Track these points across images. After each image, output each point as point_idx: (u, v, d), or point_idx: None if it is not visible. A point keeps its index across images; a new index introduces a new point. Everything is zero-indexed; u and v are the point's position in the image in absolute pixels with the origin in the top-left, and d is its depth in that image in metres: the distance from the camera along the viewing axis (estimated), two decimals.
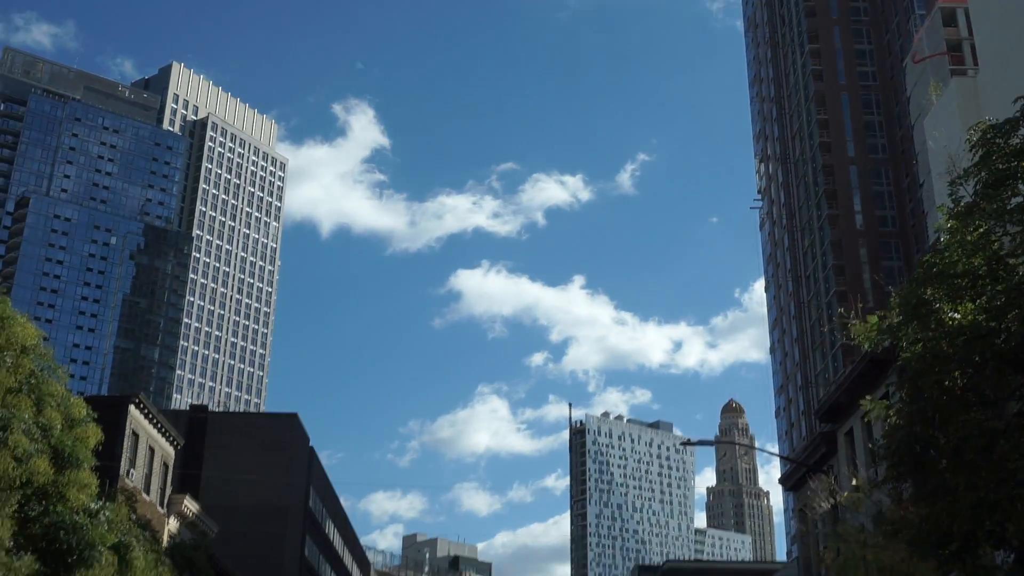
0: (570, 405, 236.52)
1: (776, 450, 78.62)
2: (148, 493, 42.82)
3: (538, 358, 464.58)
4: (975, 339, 10.35)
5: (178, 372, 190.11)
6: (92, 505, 18.44)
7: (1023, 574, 13.45)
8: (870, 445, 17.59)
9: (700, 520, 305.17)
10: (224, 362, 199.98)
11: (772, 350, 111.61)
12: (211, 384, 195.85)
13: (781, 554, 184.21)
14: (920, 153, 79.09)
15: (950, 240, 11.22)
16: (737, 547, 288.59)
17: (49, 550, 17.46)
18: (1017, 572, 13.87)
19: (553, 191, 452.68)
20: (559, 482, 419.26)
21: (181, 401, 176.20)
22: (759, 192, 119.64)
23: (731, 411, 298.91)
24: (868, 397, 14.28)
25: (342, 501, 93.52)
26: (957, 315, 10.79)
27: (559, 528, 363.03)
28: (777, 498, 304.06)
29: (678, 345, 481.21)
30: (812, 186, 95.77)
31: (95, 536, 17.73)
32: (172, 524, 45.92)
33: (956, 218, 11.50)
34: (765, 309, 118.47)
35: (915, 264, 12.89)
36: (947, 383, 10.84)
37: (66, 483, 17.59)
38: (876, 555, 17.20)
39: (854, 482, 18.42)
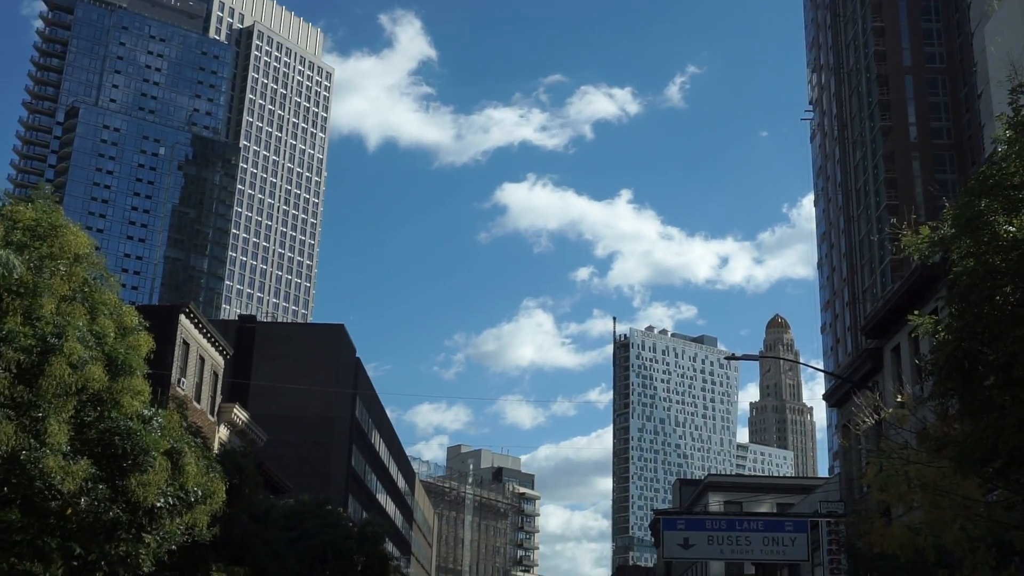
0: (614, 319, 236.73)
1: (821, 366, 78.61)
2: (199, 401, 43.73)
3: (583, 273, 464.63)
4: None
5: (227, 282, 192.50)
6: (145, 412, 18.83)
7: None
8: (917, 361, 17.39)
9: (742, 435, 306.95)
10: (272, 273, 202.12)
11: (819, 265, 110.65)
12: (259, 295, 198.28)
13: (823, 470, 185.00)
14: (979, 61, 76.97)
15: (1008, 150, 10.94)
16: (779, 463, 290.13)
17: (104, 455, 17.91)
18: None
19: (601, 104, 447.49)
20: (603, 396, 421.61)
21: (230, 311, 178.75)
22: (811, 103, 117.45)
23: (776, 326, 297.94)
24: (916, 312, 14.15)
25: (388, 412, 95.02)
26: (1012, 228, 10.58)
27: (602, 442, 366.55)
28: (820, 415, 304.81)
29: (724, 260, 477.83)
30: (865, 97, 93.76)
31: (149, 442, 18.14)
32: (222, 432, 46.95)
33: (1015, 128, 11.19)
34: (813, 225, 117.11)
35: (969, 177, 12.60)
36: (998, 298, 10.69)
37: (120, 390, 17.95)
38: (919, 471, 17.18)
39: (899, 398, 18.35)
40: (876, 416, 19.70)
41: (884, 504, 20.71)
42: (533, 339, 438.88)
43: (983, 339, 11.46)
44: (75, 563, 19.88)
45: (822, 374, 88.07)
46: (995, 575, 17.12)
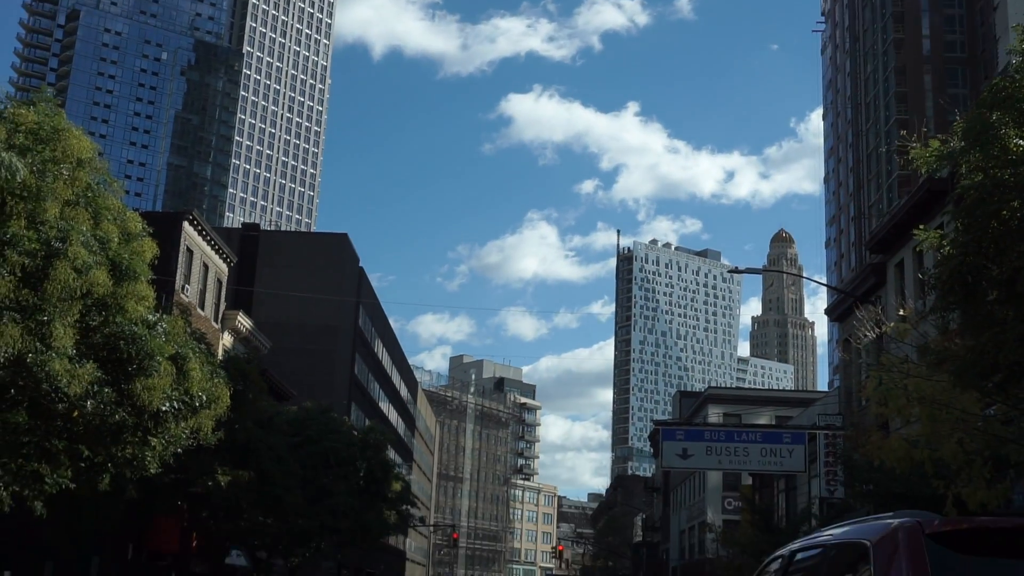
0: (618, 232, 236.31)
1: (824, 281, 78.57)
2: (203, 308, 43.94)
3: (588, 185, 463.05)
4: None
5: (230, 190, 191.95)
6: (150, 317, 18.91)
7: None
8: (920, 276, 17.41)
9: (743, 349, 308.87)
10: (275, 181, 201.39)
11: (826, 179, 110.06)
12: (262, 203, 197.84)
13: (823, 384, 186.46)
14: None
15: (1022, 63, 10.76)
16: (779, 376, 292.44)
17: (110, 359, 18.02)
18: None
19: (610, 14, 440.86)
20: (605, 309, 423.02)
21: (233, 220, 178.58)
22: (823, 14, 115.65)
23: (780, 240, 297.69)
24: (922, 227, 14.08)
25: (391, 322, 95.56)
26: (1023, 142, 10.46)
27: (603, 354, 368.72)
28: (821, 329, 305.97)
29: (730, 175, 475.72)
30: (879, 8, 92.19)
31: (154, 347, 18.24)
32: (226, 339, 47.27)
33: None
34: (821, 140, 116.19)
35: (982, 90, 12.41)
36: (1005, 213, 10.62)
37: (124, 295, 17.97)
38: (918, 385, 17.26)
39: (901, 312, 18.37)
40: (877, 330, 19.76)
41: (882, 417, 20.87)
42: (537, 251, 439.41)
43: (988, 254, 11.41)
44: (82, 464, 20.20)
45: (825, 289, 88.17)
46: (990, 488, 17.30)
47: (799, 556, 6.59)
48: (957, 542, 4.94)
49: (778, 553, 7.20)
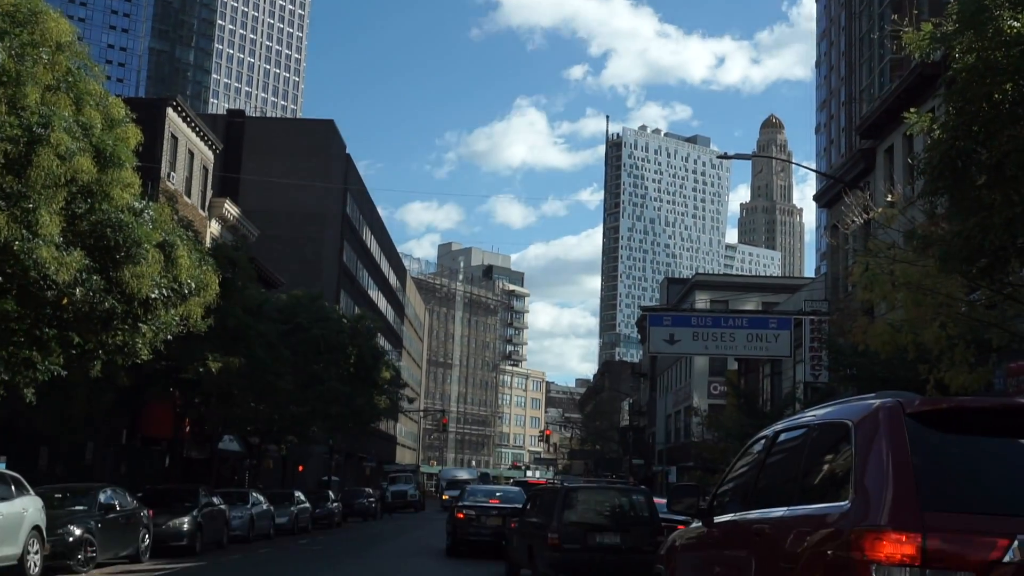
0: (607, 117, 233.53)
1: (814, 167, 78.27)
2: (189, 196, 43.67)
3: (577, 71, 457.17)
4: None
5: (214, 76, 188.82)
6: (136, 204, 18.74)
7: None
8: (910, 160, 17.31)
9: (731, 236, 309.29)
10: (259, 66, 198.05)
11: (818, 64, 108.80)
12: (247, 89, 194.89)
13: (810, 271, 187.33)
14: None
15: None
16: (767, 263, 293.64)
17: (97, 247, 17.90)
18: None
19: None
20: (594, 196, 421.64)
21: (217, 106, 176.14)
22: None
23: (770, 126, 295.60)
24: (913, 110, 13.97)
25: (379, 210, 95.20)
26: (1016, 23, 10.31)
27: (591, 241, 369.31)
28: (810, 216, 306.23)
29: (721, 60, 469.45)
30: None
31: (141, 234, 18.12)
32: (214, 227, 47.12)
33: None
34: (813, 24, 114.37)
35: None
36: (997, 95, 10.52)
37: (109, 182, 17.76)
38: (904, 270, 17.38)
39: (889, 198, 18.37)
40: (865, 216, 19.78)
41: (868, 303, 21.06)
42: (525, 138, 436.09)
43: (978, 138, 11.35)
44: (73, 351, 20.31)
45: (814, 175, 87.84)
46: (972, 371, 17.57)
47: (782, 437, 6.76)
48: (936, 421, 5.15)
49: (762, 434, 7.39)
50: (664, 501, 7.73)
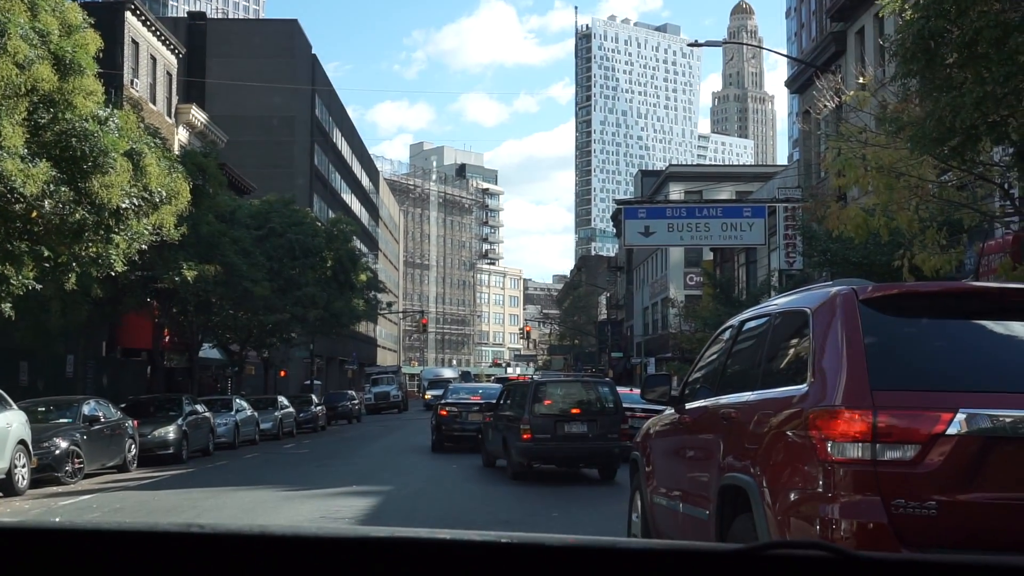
0: (576, 9, 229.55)
1: (785, 52, 77.92)
2: (155, 103, 42.95)
3: None
4: None
5: None
6: (100, 113, 18.38)
7: (1020, 167, 13.67)
8: (881, 42, 17.10)
9: (704, 126, 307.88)
10: None
11: None
12: None
13: (783, 159, 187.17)
14: None
15: None
16: (739, 152, 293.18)
17: (63, 157, 17.58)
18: (1015, 165, 14.09)
19: None
20: (566, 91, 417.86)
21: (177, 9, 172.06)
22: None
23: (740, 12, 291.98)
24: None
25: (350, 112, 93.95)
26: None
27: (564, 137, 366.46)
28: (782, 103, 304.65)
29: None
30: None
31: (107, 143, 17.80)
32: (182, 134, 46.47)
33: None
34: None
35: None
36: None
37: (71, 90, 17.37)
38: (875, 154, 17.37)
39: (861, 80, 18.26)
40: (837, 100, 19.69)
41: (841, 189, 21.11)
42: (494, 34, 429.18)
43: (949, 16, 11.25)
44: (46, 265, 20.16)
45: (785, 62, 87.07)
46: (944, 253, 17.71)
47: (748, 325, 7.11)
48: (887, 306, 5.45)
49: (729, 323, 7.74)
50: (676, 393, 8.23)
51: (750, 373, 6.55)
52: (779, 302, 6.73)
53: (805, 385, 5.42)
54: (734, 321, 7.60)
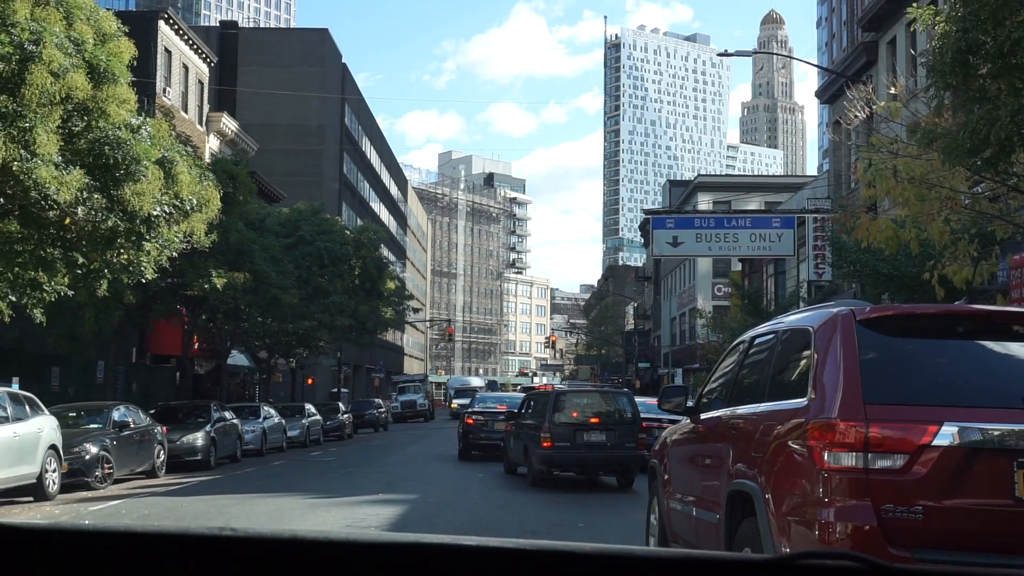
0: (605, 18, 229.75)
1: (815, 62, 77.65)
2: (186, 111, 43.30)
3: None
4: None
5: None
6: (133, 121, 18.53)
7: None
8: (913, 52, 16.90)
9: (733, 136, 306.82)
10: None
11: None
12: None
13: (812, 169, 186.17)
14: None
15: None
16: (768, 162, 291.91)
17: (96, 165, 17.73)
18: None
19: None
20: (594, 101, 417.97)
21: (210, 18, 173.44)
22: None
23: (771, 22, 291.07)
24: (915, 4, 13.72)
25: (379, 121, 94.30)
26: None
27: (593, 147, 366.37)
28: (812, 113, 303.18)
29: None
30: None
31: (139, 151, 17.95)
32: (212, 142, 46.81)
33: None
34: None
35: None
36: None
37: (105, 99, 17.52)
38: (907, 164, 17.25)
39: (892, 90, 18.11)
40: (868, 109, 19.56)
41: (871, 199, 20.98)
42: (524, 45, 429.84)
43: (985, 27, 11.16)
44: (79, 271, 20.34)
45: (815, 72, 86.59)
46: (975, 265, 17.55)
47: (757, 341, 7.61)
48: (883, 326, 5.92)
49: (741, 338, 8.25)
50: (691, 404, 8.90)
51: (759, 386, 6.98)
52: (786, 320, 7.29)
53: (806, 399, 5.85)
54: (746, 336, 8.08)
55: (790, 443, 5.87)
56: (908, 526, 5.25)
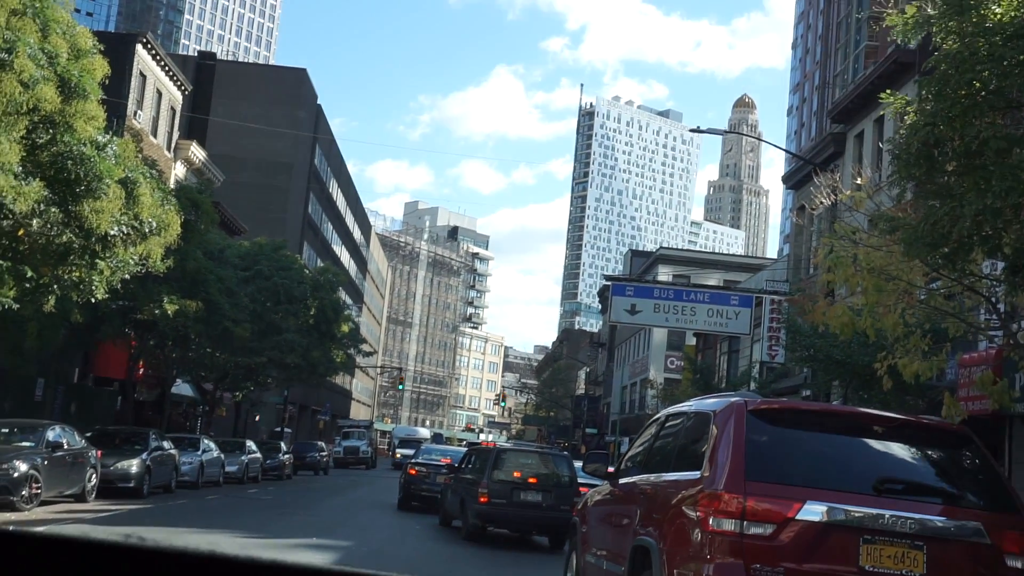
0: (581, 86, 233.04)
1: (784, 148, 79.19)
2: (155, 136, 43.01)
3: (555, 43, 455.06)
4: (1013, 38, 9.85)
5: (186, 16, 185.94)
6: (99, 138, 18.32)
7: (1012, 280, 13.67)
8: (881, 145, 17.15)
9: (697, 213, 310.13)
10: (233, 9, 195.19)
11: (794, 45, 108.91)
12: (220, 32, 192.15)
13: (772, 252, 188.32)
14: None
15: None
16: (730, 242, 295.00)
17: (57, 179, 17.48)
18: (1005, 279, 14.11)
19: None
20: (564, 167, 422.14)
21: (189, 48, 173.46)
22: None
23: (743, 105, 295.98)
24: (888, 92, 13.93)
25: (350, 167, 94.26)
26: (999, 9, 10.25)
27: (559, 211, 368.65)
28: (775, 199, 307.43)
29: (698, 43, 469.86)
30: None
31: (102, 169, 17.72)
32: (179, 170, 46.48)
33: None
34: (789, 14, 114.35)
35: None
36: (976, 83, 10.49)
37: (73, 113, 17.34)
38: (867, 255, 17.43)
39: (858, 180, 18.35)
40: (833, 197, 19.80)
41: (830, 285, 21.17)
42: (500, 106, 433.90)
43: (954, 126, 11.32)
44: (27, 285, 19.94)
45: (782, 159, 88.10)
46: (925, 359, 17.67)
47: (671, 418, 8.75)
48: (769, 417, 6.99)
49: (656, 417, 9.47)
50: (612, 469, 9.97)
51: (667, 457, 8.08)
52: (694, 403, 8.44)
53: (700, 472, 6.87)
54: (660, 415, 9.26)
55: (684, 508, 6.86)
56: None
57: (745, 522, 6.29)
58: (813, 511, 6.31)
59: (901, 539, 6.35)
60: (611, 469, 9.79)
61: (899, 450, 7.13)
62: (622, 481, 9.00)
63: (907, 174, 11.46)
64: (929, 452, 7.24)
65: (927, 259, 13.47)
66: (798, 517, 6.30)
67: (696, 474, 6.89)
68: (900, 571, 6.32)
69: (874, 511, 6.38)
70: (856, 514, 6.35)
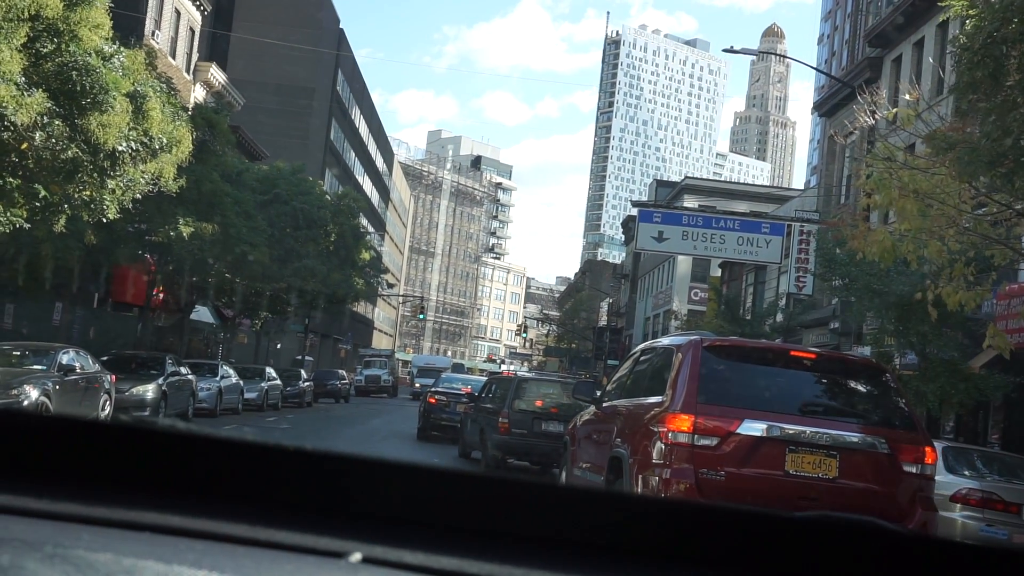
0: (608, 13, 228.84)
1: (813, 77, 77.42)
2: (174, 58, 42.09)
3: None
4: None
5: None
6: (106, 48, 17.49)
7: None
8: (950, 46, 15.80)
9: (723, 144, 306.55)
10: None
11: None
12: None
13: (798, 184, 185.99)
14: None
15: None
16: (756, 174, 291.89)
17: (61, 91, 16.71)
18: None
19: None
20: (589, 99, 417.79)
21: None
22: None
23: (771, 35, 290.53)
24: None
25: (374, 97, 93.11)
26: None
27: (583, 143, 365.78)
28: (803, 131, 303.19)
29: None
30: None
31: (109, 81, 16.92)
32: (199, 92, 45.59)
33: None
34: None
35: None
36: None
37: (78, 21, 16.50)
38: (912, 177, 16.47)
39: (908, 96, 17.28)
40: (874, 118, 18.76)
41: (871, 208, 20.25)
42: (526, 36, 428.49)
43: (1014, 34, 10.37)
44: (38, 204, 19.29)
45: (809, 92, 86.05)
46: (969, 288, 16.84)
47: (644, 355, 10.37)
48: (718, 351, 8.62)
49: (634, 351, 11.19)
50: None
51: (639, 385, 9.73)
52: (663, 340, 10.46)
53: (662, 396, 8.46)
54: (636, 350, 11.05)
55: (649, 425, 8.38)
56: (715, 484, 7.79)
57: (695, 436, 7.80)
58: (751, 428, 7.86)
59: (819, 449, 7.91)
60: (597, 395, 11.14)
61: (823, 379, 8.87)
62: (604, 405, 10.46)
63: (970, 77, 10.55)
64: (848, 381, 9.06)
65: (984, 176, 12.62)
66: (738, 432, 7.83)
67: (660, 398, 8.46)
68: (817, 475, 7.89)
69: (798, 428, 7.96)
70: (785, 430, 7.91)
